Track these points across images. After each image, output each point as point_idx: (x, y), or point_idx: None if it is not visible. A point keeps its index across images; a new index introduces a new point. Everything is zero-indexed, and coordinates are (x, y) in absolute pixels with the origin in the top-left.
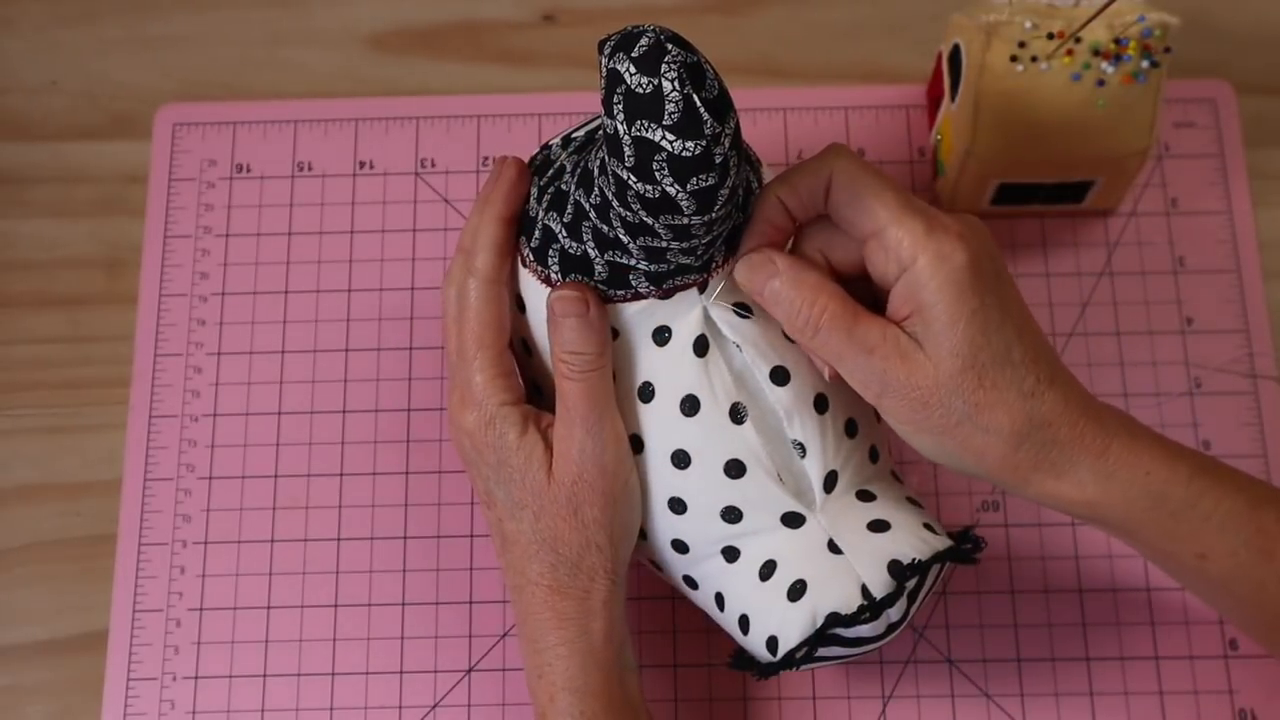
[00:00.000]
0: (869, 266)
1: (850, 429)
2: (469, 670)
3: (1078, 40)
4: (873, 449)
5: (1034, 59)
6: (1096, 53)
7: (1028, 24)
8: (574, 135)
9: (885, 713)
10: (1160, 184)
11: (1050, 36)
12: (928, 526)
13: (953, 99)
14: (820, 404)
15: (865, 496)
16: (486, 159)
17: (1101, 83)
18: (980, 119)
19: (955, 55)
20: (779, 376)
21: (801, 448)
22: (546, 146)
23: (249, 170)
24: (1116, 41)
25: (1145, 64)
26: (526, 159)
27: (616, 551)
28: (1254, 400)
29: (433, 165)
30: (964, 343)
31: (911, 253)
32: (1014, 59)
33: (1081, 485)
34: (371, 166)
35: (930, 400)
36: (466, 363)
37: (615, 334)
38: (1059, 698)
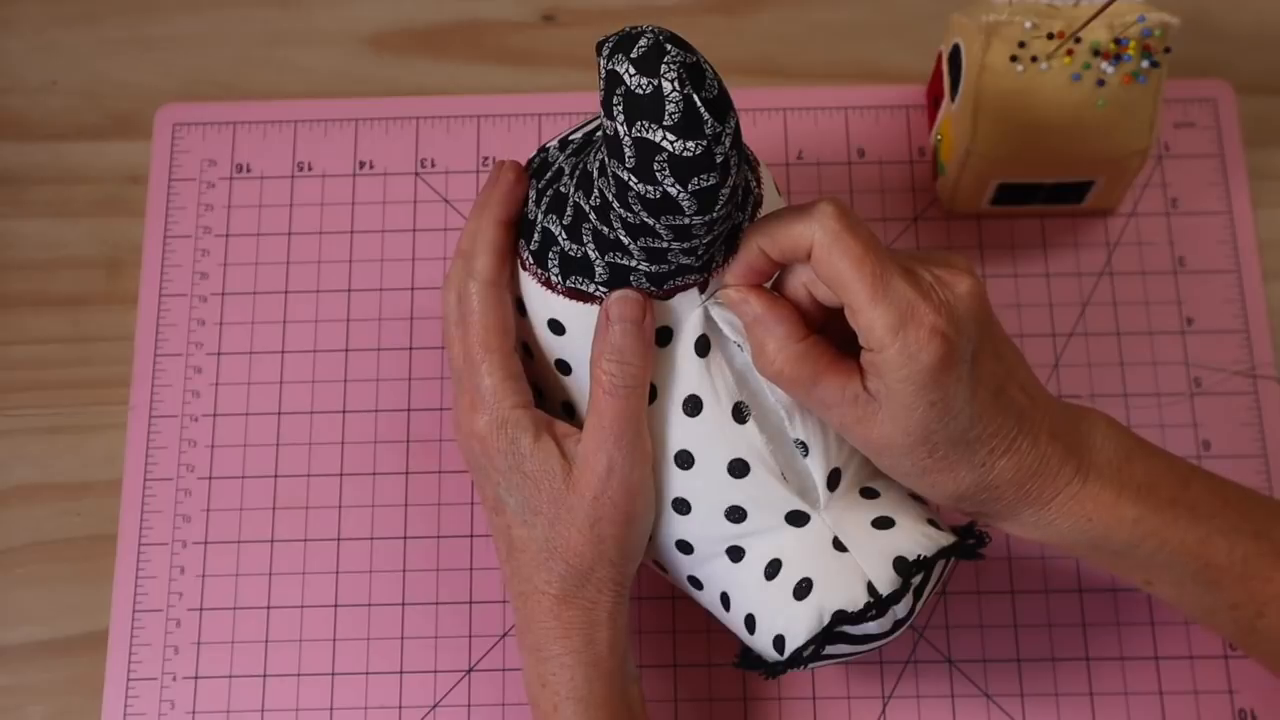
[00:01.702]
0: (848, 320)
1: None
2: (469, 670)
3: (1078, 40)
4: None
5: (1034, 59)
6: (1096, 53)
7: (1028, 24)
8: (571, 138)
9: (885, 713)
10: (1160, 184)
11: (1050, 36)
12: (931, 522)
13: (953, 99)
14: None
15: (868, 494)
16: (486, 159)
17: (1101, 83)
18: (980, 119)
19: (955, 55)
20: None
21: (804, 446)
22: (544, 149)
23: (249, 170)
24: (1116, 41)
25: (1145, 64)
26: (524, 161)
27: (627, 566)
28: (1254, 400)
29: (433, 165)
30: (918, 427)
31: (880, 342)
32: (1014, 59)
33: (1022, 527)
34: (371, 166)
35: (881, 454)
36: (474, 367)
37: None
38: (1059, 698)
